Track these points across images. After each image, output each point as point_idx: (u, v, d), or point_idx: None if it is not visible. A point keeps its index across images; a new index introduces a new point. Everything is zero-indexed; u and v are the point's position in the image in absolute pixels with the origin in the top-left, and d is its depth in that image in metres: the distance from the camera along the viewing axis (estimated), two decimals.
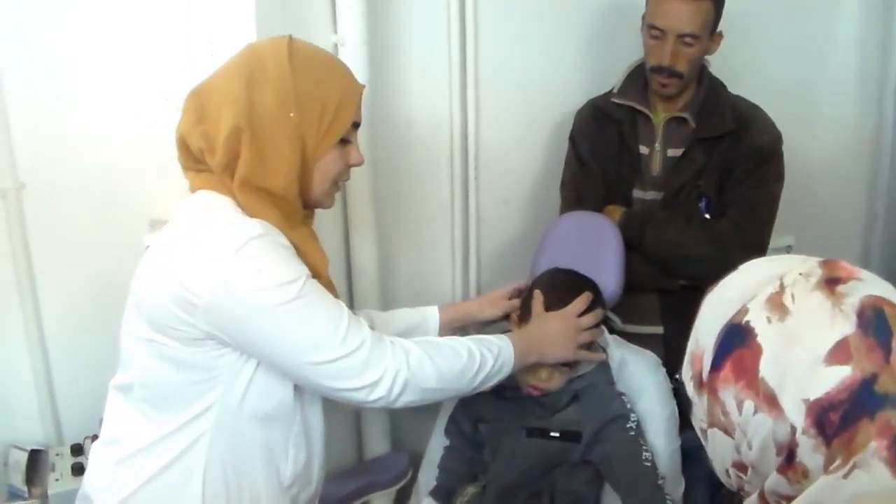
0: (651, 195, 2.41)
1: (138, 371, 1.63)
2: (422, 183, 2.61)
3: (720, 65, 2.46)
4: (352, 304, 2.44)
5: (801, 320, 0.95)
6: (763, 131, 2.35)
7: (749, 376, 0.96)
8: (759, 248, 2.33)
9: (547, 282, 2.02)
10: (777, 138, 2.36)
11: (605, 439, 1.94)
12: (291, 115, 1.57)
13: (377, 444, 2.63)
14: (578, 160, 2.48)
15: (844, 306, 0.94)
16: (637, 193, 2.42)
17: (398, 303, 2.59)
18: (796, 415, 0.92)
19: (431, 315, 2.07)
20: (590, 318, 1.94)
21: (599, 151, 2.44)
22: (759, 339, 0.96)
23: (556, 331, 1.90)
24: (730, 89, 2.44)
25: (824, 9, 3.04)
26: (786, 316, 0.96)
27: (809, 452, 0.92)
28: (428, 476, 2.23)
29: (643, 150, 2.41)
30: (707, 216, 2.34)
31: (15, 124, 2.13)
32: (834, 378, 0.91)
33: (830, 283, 0.97)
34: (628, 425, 1.96)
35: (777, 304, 0.97)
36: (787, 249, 3.00)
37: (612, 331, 2.22)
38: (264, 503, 1.69)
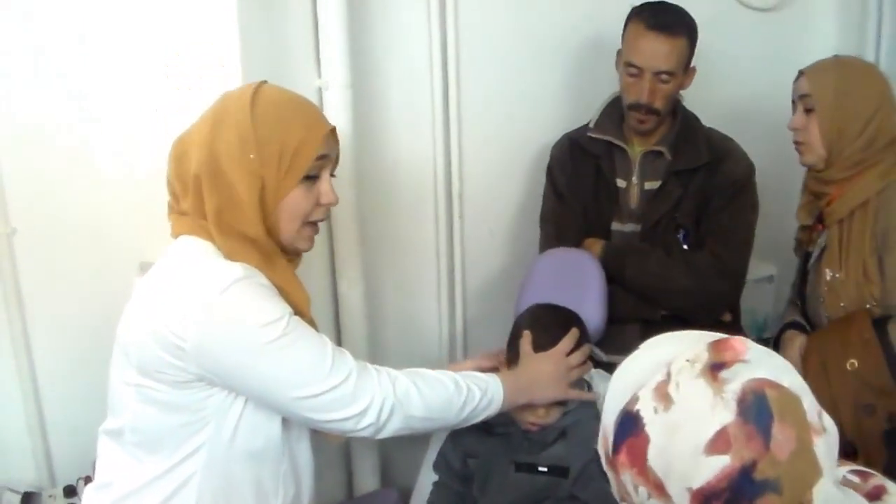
0: (629, 227, 2.45)
1: (128, 416, 1.65)
2: (407, 220, 2.64)
3: (701, 100, 2.52)
4: (339, 342, 2.47)
5: (683, 410, 0.98)
6: (737, 163, 2.40)
7: (640, 463, 1.00)
8: (737, 275, 2.40)
9: (532, 320, 2.04)
10: (751, 169, 2.41)
11: (595, 476, 1.92)
12: (251, 156, 1.59)
13: (367, 480, 2.64)
14: (556, 194, 2.51)
15: (725, 394, 0.97)
16: (615, 226, 2.46)
17: (385, 340, 2.61)
18: (683, 502, 0.97)
19: None
20: (578, 356, 1.96)
21: (577, 185, 2.48)
22: (647, 428, 1.00)
23: (547, 372, 1.91)
24: (706, 123, 2.49)
25: (800, 43, 3.09)
26: (670, 406, 0.99)
27: None
28: None
29: (620, 183, 2.45)
30: (685, 247, 2.38)
31: (6, 170, 2.15)
32: (714, 468, 0.95)
33: (714, 368, 1.00)
34: None
35: (663, 394, 1.00)
36: (770, 280, 3.05)
37: (596, 364, 2.25)
38: None
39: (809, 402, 1.00)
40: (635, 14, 2.33)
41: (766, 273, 3.05)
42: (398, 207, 2.61)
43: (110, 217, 2.22)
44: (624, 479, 1.04)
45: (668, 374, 1.01)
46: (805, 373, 2.06)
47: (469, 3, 2.55)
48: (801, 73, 2.24)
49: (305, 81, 2.27)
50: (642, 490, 1.01)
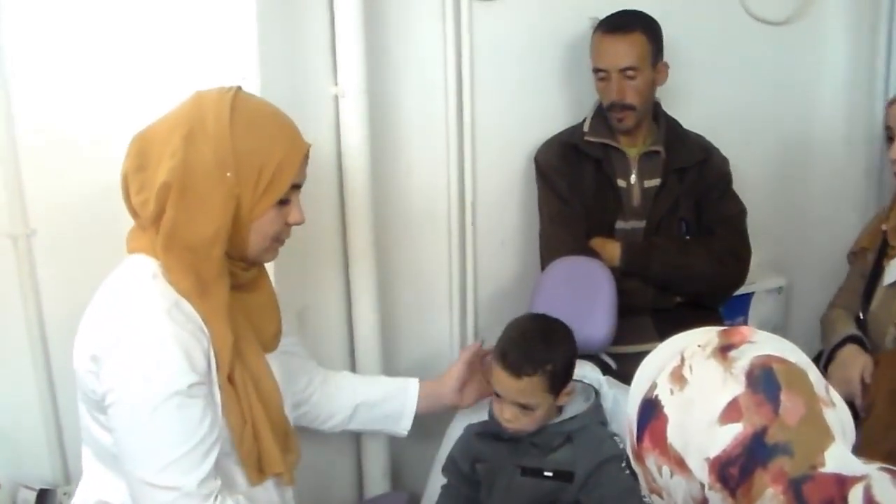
0: (632, 224, 2.56)
1: (84, 431, 1.69)
2: (420, 227, 2.66)
3: (711, 112, 2.57)
4: (353, 349, 2.50)
5: (696, 388, 1.05)
6: (721, 159, 2.60)
7: (661, 444, 1.06)
8: (748, 258, 2.57)
9: (508, 329, 2.06)
10: (728, 163, 2.62)
11: (602, 483, 1.95)
12: (228, 174, 1.54)
13: (377, 483, 2.64)
14: (560, 198, 2.58)
15: (735, 369, 1.03)
16: (619, 224, 2.57)
17: (397, 347, 2.63)
18: (702, 473, 1.02)
19: (412, 387, 2.19)
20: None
21: (578, 188, 2.56)
22: (665, 409, 1.06)
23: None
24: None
25: (812, 57, 3.12)
26: (684, 386, 1.06)
27: None
28: None
29: (621, 183, 2.55)
30: (687, 237, 2.54)
31: (27, 171, 2.17)
32: (728, 435, 1.00)
33: (724, 350, 1.06)
34: (623, 465, 1.99)
35: (678, 377, 1.07)
36: (779, 291, 3.08)
37: (605, 372, 2.26)
38: None
39: (816, 377, 1.06)
40: (595, 27, 2.50)
41: (776, 285, 3.08)
42: (411, 214, 2.63)
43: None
44: (649, 464, 1.09)
45: (682, 359, 1.08)
46: (872, 397, 2.05)
47: (484, 13, 2.58)
48: (890, 102, 2.22)
49: (322, 88, 2.31)
50: (665, 469, 1.06)
